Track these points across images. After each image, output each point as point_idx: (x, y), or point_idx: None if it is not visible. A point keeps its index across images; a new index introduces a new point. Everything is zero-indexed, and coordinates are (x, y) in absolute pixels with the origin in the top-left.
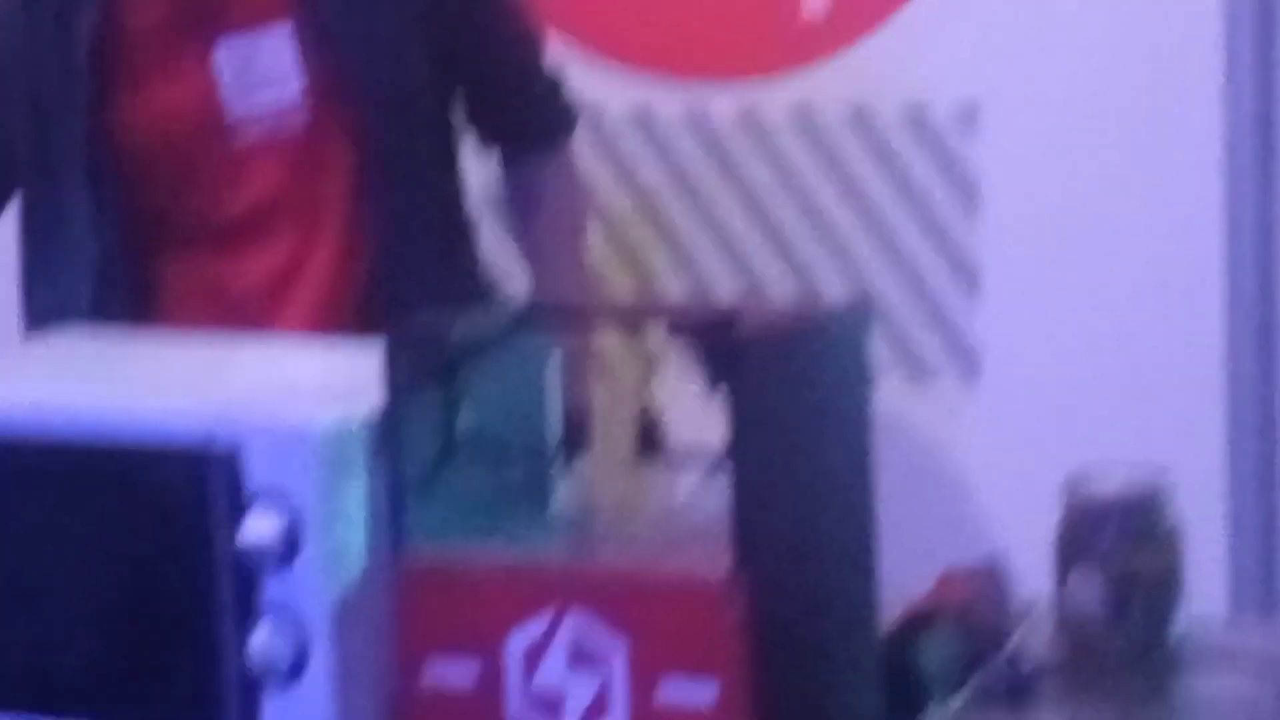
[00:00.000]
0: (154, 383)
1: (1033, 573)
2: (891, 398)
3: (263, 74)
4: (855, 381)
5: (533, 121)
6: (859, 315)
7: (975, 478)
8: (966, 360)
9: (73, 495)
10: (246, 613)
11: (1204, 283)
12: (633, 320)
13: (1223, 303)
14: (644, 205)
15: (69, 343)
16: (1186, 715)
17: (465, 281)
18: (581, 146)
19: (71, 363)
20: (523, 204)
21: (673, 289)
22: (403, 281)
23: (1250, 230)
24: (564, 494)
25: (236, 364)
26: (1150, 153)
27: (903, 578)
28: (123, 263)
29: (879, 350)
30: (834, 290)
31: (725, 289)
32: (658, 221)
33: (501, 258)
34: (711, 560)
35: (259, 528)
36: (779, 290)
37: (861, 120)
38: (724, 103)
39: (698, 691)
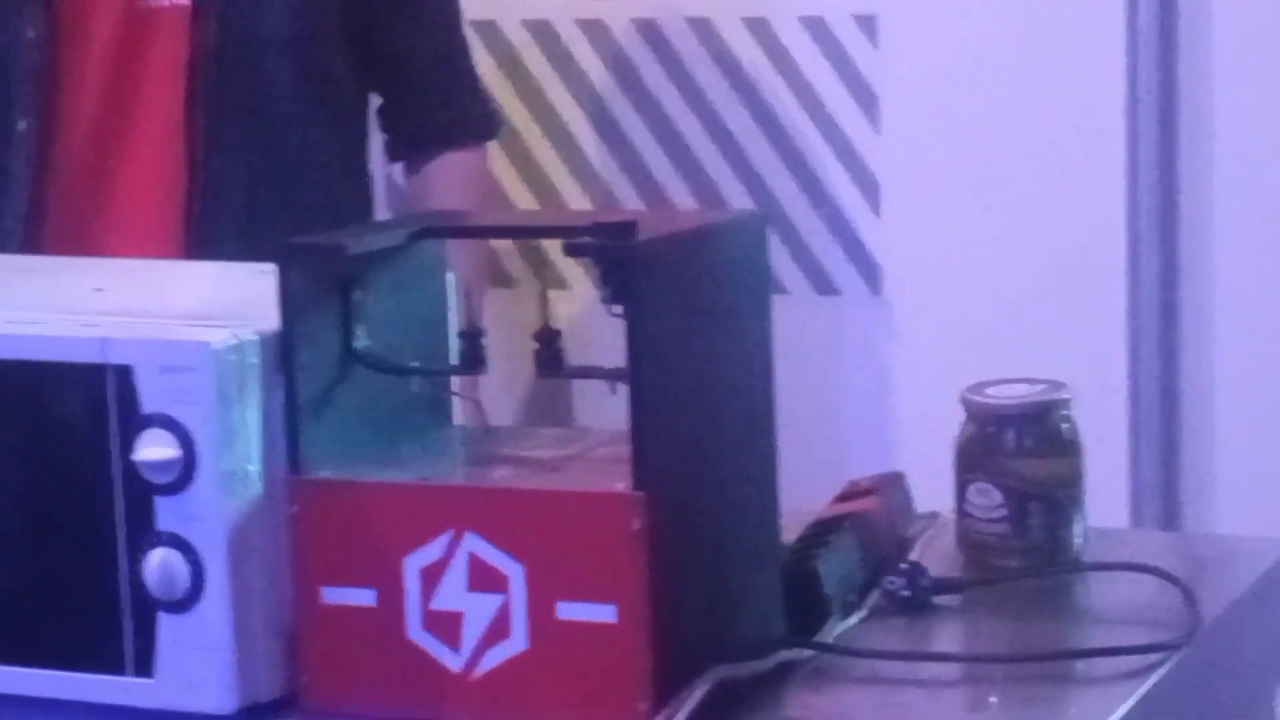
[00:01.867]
0: (49, 303)
1: (935, 485)
2: (796, 312)
3: None
4: (754, 292)
5: (457, 118)
6: (756, 224)
7: (878, 391)
8: (869, 274)
9: None
10: (142, 536)
11: (1105, 194)
12: (531, 233)
13: (1124, 214)
14: (544, 118)
15: None
16: (1086, 624)
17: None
18: (482, 59)
19: None
20: (429, 203)
21: (574, 202)
22: (219, 219)
23: (1150, 140)
24: (462, 412)
25: (132, 285)
26: (1051, 60)
27: (805, 491)
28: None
29: (784, 266)
30: (739, 205)
31: (629, 203)
32: (559, 134)
33: None
34: (610, 478)
35: (153, 449)
36: (682, 205)
37: (762, 32)
38: (623, 13)
39: (598, 610)
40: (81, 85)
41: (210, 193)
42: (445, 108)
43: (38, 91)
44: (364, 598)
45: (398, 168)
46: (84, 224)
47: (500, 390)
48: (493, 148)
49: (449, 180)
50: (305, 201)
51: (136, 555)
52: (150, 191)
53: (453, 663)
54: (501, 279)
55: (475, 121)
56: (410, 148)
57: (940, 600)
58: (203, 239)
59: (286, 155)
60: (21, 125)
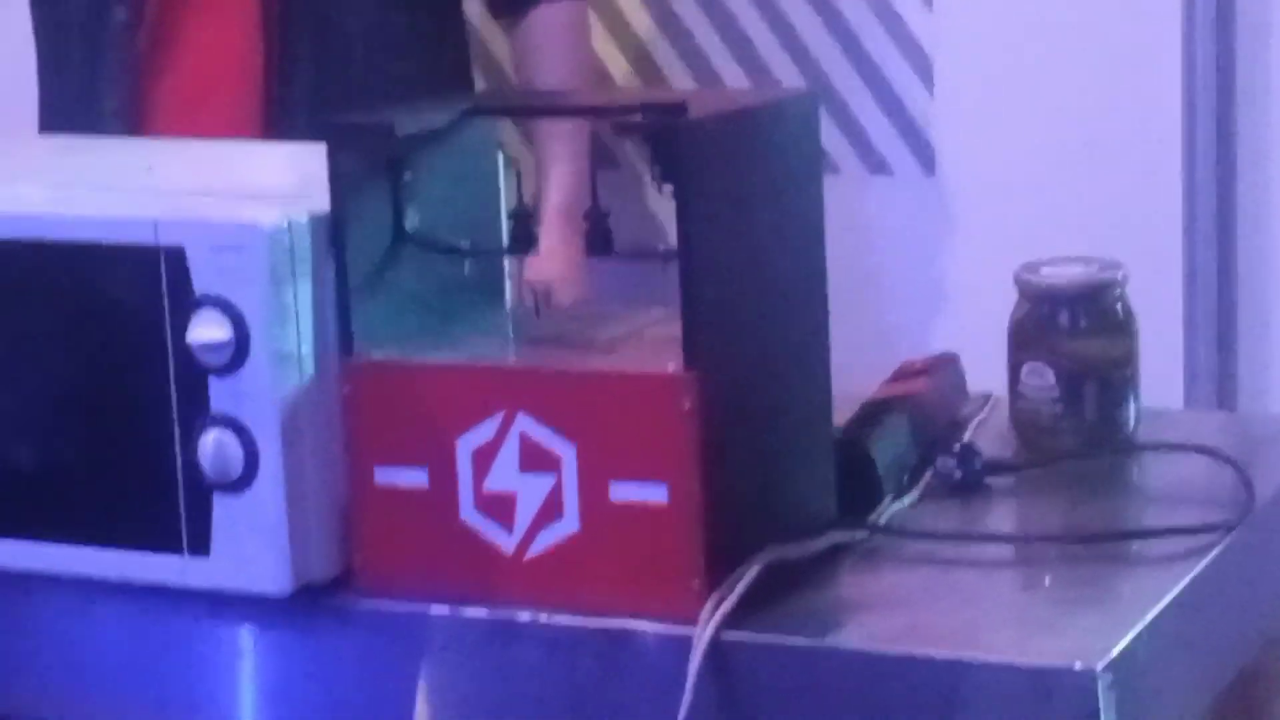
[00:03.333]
0: (101, 183)
1: (989, 365)
2: (848, 192)
3: None
4: (806, 172)
5: None
6: (808, 104)
7: (931, 271)
8: (923, 154)
9: (21, 294)
10: (196, 417)
11: (1160, 71)
12: (581, 111)
13: (1180, 93)
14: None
15: (19, 146)
16: (1140, 505)
17: None
18: None
19: (21, 164)
20: (531, 59)
21: (625, 82)
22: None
23: (1207, 17)
24: (514, 291)
25: (183, 165)
26: None
27: (858, 372)
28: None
29: (836, 145)
30: (791, 84)
31: (681, 84)
32: (610, 15)
33: None
34: (661, 358)
35: (206, 330)
36: (735, 84)
37: None
38: None
39: (650, 491)
40: None
41: (286, 73)
42: None
43: None
44: (416, 479)
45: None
46: (173, 110)
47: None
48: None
49: (548, 34)
50: (394, 75)
51: (190, 436)
52: (230, 73)
53: (505, 544)
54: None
55: None
56: (507, 3)
57: (993, 481)
58: (279, 119)
59: (363, 31)
60: (120, 14)
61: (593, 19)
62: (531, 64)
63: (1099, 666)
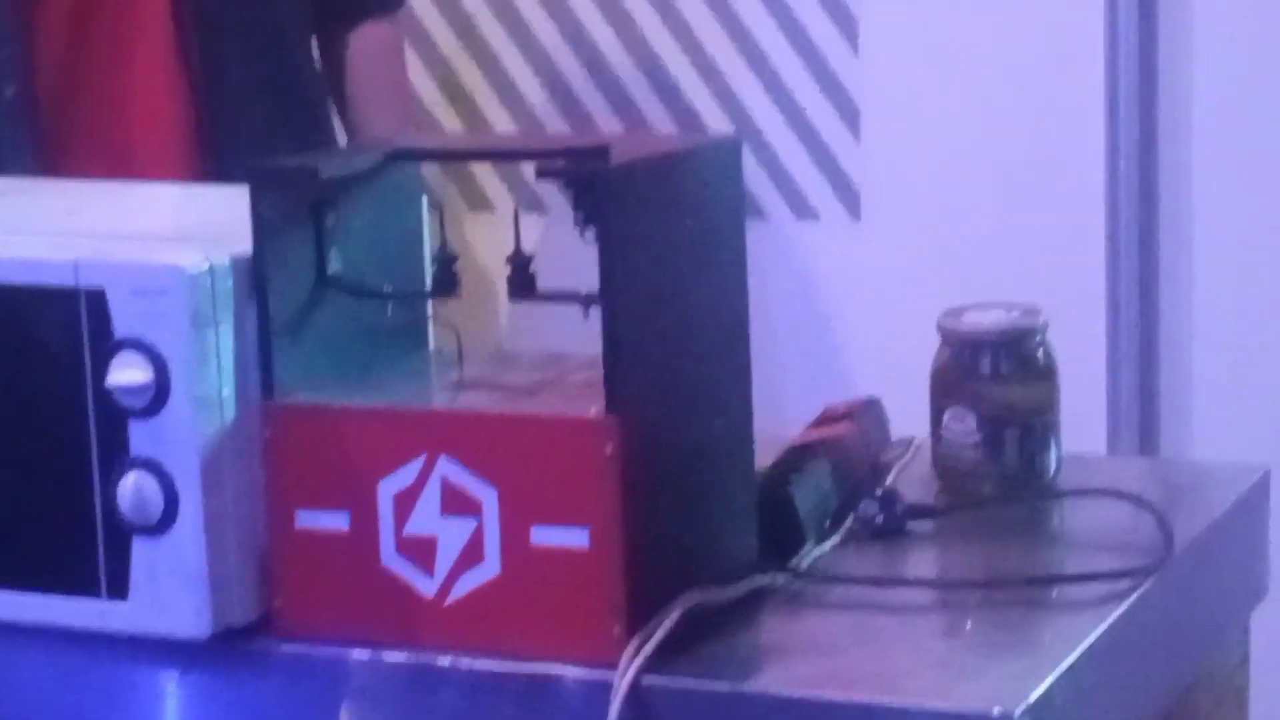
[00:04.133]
0: (21, 225)
1: (912, 410)
2: (774, 237)
3: None
4: (729, 216)
5: None
6: (732, 148)
7: (856, 315)
8: (848, 199)
9: None
10: (115, 460)
11: (1083, 118)
12: (505, 156)
13: (1102, 139)
14: (522, 40)
15: None
16: (1061, 550)
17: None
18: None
19: None
20: (349, 74)
21: (551, 125)
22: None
23: (1129, 60)
24: (436, 335)
25: (105, 207)
26: None
27: (780, 416)
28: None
29: (762, 190)
30: (717, 128)
31: (606, 125)
32: (536, 56)
33: None
34: (583, 403)
35: (126, 373)
36: (660, 127)
37: None
38: None
39: (571, 535)
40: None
41: (218, 108)
42: None
43: (17, 53)
44: (337, 522)
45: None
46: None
47: (476, 315)
48: (469, 70)
49: (364, 55)
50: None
51: (110, 479)
52: (158, 120)
53: (426, 588)
54: (479, 202)
55: None
56: (325, 22)
57: (915, 526)
58: (217, 156)
59: (285, 58)
60: (8, 91)
61: (519, 58)
62: (353, 80)
63: (1018, 711)
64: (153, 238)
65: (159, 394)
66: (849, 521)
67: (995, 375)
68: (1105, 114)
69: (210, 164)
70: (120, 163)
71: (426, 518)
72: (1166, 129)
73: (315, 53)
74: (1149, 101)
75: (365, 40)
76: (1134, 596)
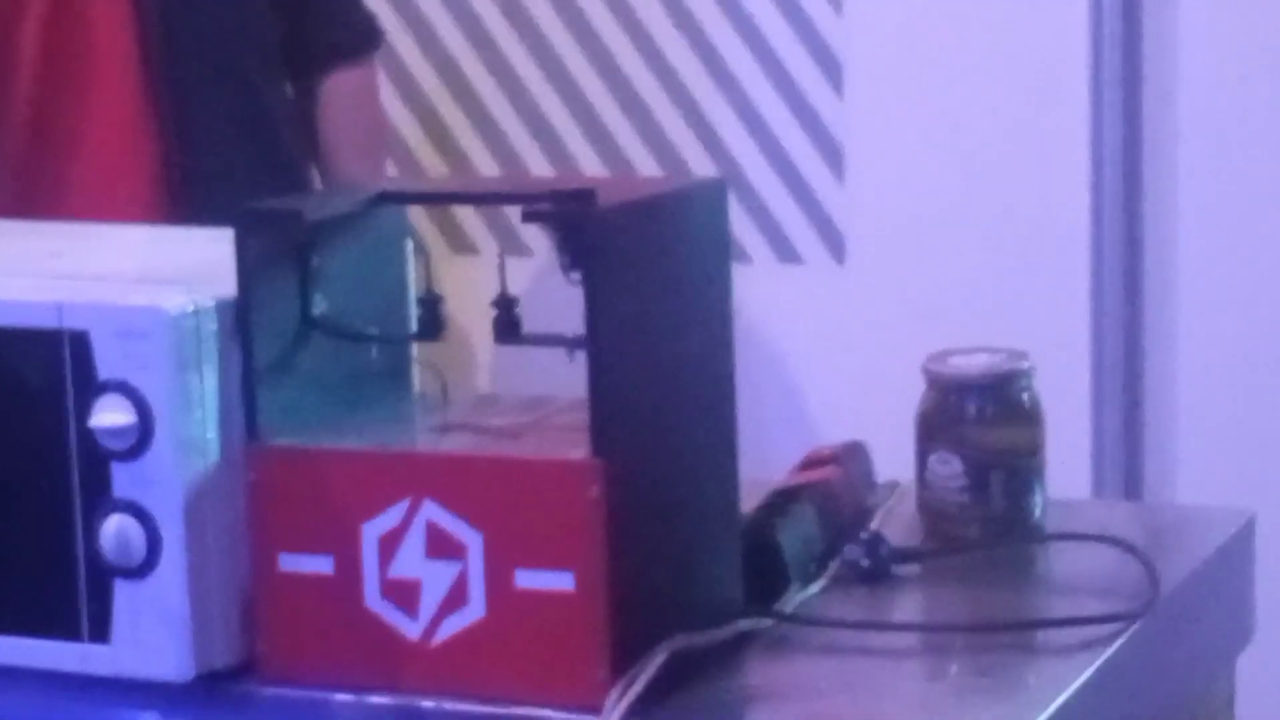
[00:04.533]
0: (4, 267)
1: (897, 454)
2: (758, 281)
3: None
4: (715, 260)
5: (339, 33)
6: (717, 191)
7: (839, 360)
8: (833, 243)
9: None
10: (98, 502)
11: (1069, 164)
12: (490, 199)
13: (1088, 184)
14: (506, 82)
15: None
16: (1046, 594)
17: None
18: (443, 23)
19: None
20: (322, 119)
21: (535, 167)
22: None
23: (1114, 110)
24: (420, 378)
25: (89, 249)
26: (1015, 29)
27: (766, 460)
28: None
29: (747, 234)
30: (701, 171)
31: (590, 168)
32: (520, 98)
33: None
34: (568, 446)
35: (109, 415)
36: (645, 170)
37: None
38: None
39: (556, 579)
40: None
41: (185, 151)
42: (326, 25)
43: None
44: (321, 565)
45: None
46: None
47: (463, 357)
48: (453, 113)
49: (337, 99)
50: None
51: (92, 522)
52: (119, 154)
53: (411, 631)
54: (464, 245)
55: (355, 32)
56: (298, 68)
57: (900, 570)
58: (185, 199)
59: (254, 101)
60: None
61: (502, 100)
62: (326, 125)
63: None
64: (137, 280)
65: (142, 436)
66: (834, 565)
67: (981, 419)
68: (1089, 158)
69: (178, 207)
70: (86, 204)
71: (411, 561)
72: (1151, 172)
73: (290, 95)
74: (1133, 145)
75: (339, 85)
76: (1120, 640)
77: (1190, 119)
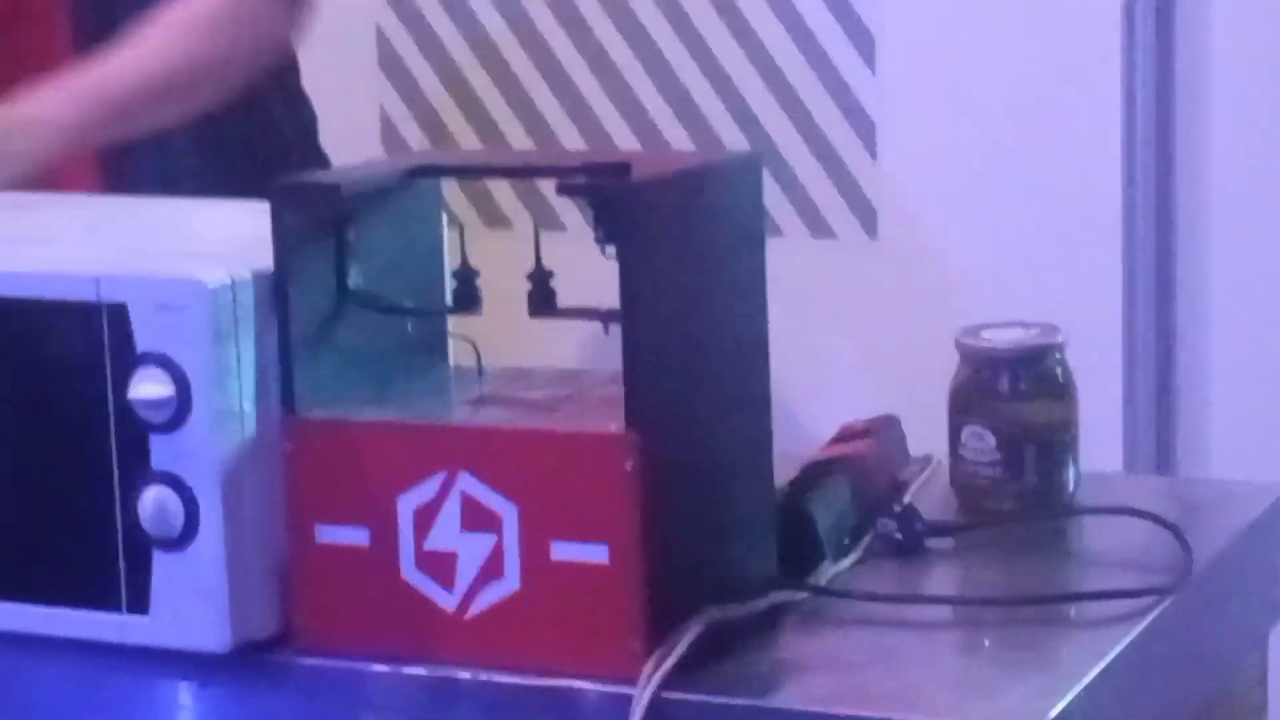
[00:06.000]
0: (44, 239)
1: (930, 427)
2: (791, 255)
3: None
4: (749, 234)
5: None
6: (752, 166)
7: (873, 333)
8: (865, 218)
9: None
10: (136, 474)
11: (1101, 138)
12: (525, 173)
13: (1120, 157)
14: (541, 58)
15: None
16: (1079, 568)
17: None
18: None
19: None
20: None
21: (569, 142)
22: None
23: (1148, 81)
24: (455, 352)
25: (126, 222)
26: (1047, 4)
27: (799, 434)
28: None
29: (780, 208)
30: (734, 146)
31: (624, 143)
32: (555, 74)
33: None
34: (603, 419)
35: (148, 388)
36: (678, 146)
37: None
38: None
39: (591, 551)
40: None
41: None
42: None
43: None
44: (357, 537)
45: (393, 99)
46: None
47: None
48: (487, 87)
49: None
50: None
51: (131, 493)
52: None
53: (446, 602)
54: (497, 220)
55: None
56: None
57: (933, 543)
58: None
59: None
60: None
61: (536, 76)
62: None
63: None
64: (174, 253)
65: (180, 408)
66: (868, 539)
67: (1014, 393)
68: (1122, 132)
69: (113, 156)
70: None
71: (446, 533)
72: (1183, 146)
73: None
74: (1166, 120)
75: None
76: (1153, 615)
77: (1223, 92)
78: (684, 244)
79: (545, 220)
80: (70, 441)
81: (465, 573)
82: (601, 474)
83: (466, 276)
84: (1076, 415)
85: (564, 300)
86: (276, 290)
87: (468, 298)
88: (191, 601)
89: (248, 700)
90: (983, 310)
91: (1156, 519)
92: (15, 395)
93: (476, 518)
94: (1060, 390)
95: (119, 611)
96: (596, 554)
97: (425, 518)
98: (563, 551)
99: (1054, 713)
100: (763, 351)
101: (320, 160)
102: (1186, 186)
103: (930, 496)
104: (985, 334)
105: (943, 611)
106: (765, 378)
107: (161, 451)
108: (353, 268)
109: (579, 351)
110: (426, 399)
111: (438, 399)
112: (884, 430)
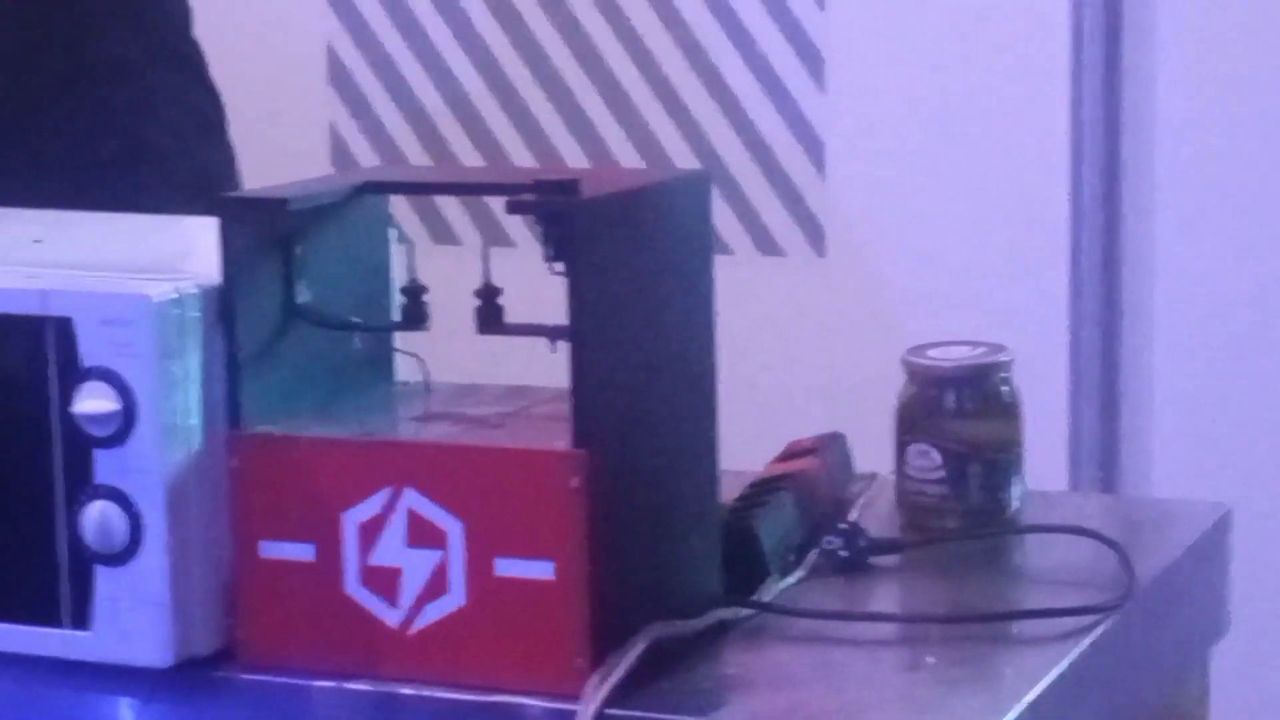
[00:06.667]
0: None
1: (875, 445)
2: (739, 273)
3: None
4: (697, 252)
5: None
6: (700, 184)
7: (820, 351)
8: (814, 236)
9: None
10: (80, 488)
11: (1049, 158)
12: (474, 189)
13: (1067, 178)
14: (491, 76)
15: None
16: (1023, 586)
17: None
18: (430, 19)
19: None
20: None
21: (519, 159)
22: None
23: (1095, 101)
24: (403, 367)
25: (72, 236)
26: (996, 21)
27: (745, 451)
28: None
29: (728, 226)
30: (683, 164)
31: (574, 160)
32: (504, 92)
33: None
34: (550, 436)
35: (92, 402)
36: (627, 163)
37: None
38: None
39: (536, 567)
40: None
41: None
42: None
43: None
44: (302, 552)
45: (343, 115)
46: None
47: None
48: (436, 105)
49: None
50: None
51: (74, 508)
52: None
53: (391, 618)
54: (446, 236)
55: None
56: None
57: (878, 560)
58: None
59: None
60: None
61: (486, 93)
62: None
63: None
64: (121, 267)
65: (125, 423)
66: (812, 555)
67: (959, 411)
68: (1070, 152)
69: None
70: None
71: (391, 548)
72: (1130, 166)
73: None
74: (1113, 139)
75: None
76: (1096, 632)
77: (1169, 112)
78: (632, 262)
79: (494, 237)
80: (13, 455)
81: (410, 589)
82: (547, 491)
83: (415, 292)
84: (1022, 434)
85: (512, 317)
86: (223, 305)
87: (415, 314)
88: (134, 617)
89: (191, 716)
90: (930, 328)
91: (1100, 537)
92: None
93: (422, 534)
94: (1005, 409)
95: (61, 626)
96: (542, 570)
97: (370, 533)
98: (508, 568)
99: None
100: (710, 369)
101: (222, 155)
102: (1132, 205)
103: (875, 514)
104: (932, 352)
105: (887, 629)
106: (712, 395)
107: (106, 466)
108: (300, 283)
109: (526, 369)
110: (373, 415)
111: (384, 415)
112: (830, 448)
